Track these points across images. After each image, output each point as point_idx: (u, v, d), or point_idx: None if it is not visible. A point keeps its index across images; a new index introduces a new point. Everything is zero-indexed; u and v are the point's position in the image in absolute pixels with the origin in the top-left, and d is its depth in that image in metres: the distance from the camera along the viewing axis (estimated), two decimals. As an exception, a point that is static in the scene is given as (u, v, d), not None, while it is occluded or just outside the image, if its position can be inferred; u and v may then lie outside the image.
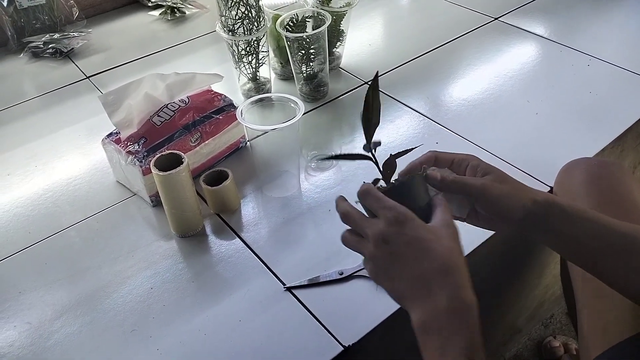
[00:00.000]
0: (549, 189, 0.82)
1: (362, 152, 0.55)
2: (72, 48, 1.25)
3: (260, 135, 0.85)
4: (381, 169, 0.55)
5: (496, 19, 1.26)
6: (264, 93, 1.01)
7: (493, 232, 0.72)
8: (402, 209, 0.49)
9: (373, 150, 0.55)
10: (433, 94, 1.05)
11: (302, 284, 0.71)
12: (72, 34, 1.28)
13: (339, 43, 1.10)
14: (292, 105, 0.80)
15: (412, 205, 0.50)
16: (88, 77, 1.17)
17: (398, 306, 0.67)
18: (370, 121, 0.54)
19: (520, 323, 1.14)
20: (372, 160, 0.55)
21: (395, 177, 0.56)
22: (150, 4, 1.39)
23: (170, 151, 0.74)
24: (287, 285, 0.71)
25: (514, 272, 0.97)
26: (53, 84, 1.16)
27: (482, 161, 0.58)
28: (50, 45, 1.24)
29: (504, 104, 1.00)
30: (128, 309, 0.70)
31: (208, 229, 0.80)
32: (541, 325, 1.21)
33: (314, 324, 0.66)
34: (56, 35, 1.26)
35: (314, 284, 0.70)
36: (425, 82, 1.08)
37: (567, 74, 1.07)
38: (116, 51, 1.26)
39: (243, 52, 0.98)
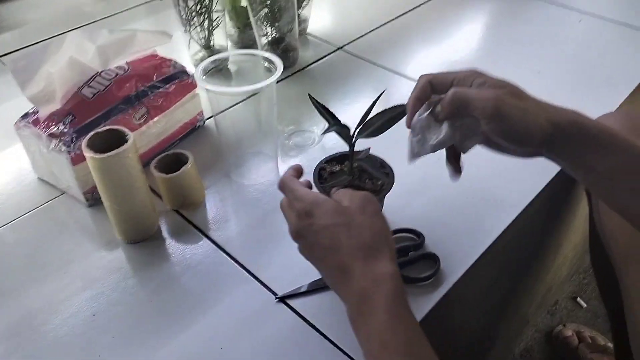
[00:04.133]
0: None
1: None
2: (-25, 25, 1.02)
3: (226, 110, 0.67)
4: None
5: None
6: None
7: (512, 220, 0.62)
8: (309, 198, 0.47)
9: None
10: (421, 55, 0.93)
11: (296, 291, 0.54)
12: (-26, 8, 1.06)
13: (305, 2, 0.93)
14: (267, 64, 0.63)
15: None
16: (-3, 57, 0.96)
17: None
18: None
19: (529, 313, 1.03)
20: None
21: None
22: (71, -26, 1.18)
23: (108, 127, 0.55)
24: (279, 295, 0.54)
25: (530, 257, 0.86)
26: (-49, 67, 0.93)
27: (489, 77, 0.47)
28: (-54, 22, 1.01)
29: (499, 63, 0.88)
30: (64, 343, 0.51)
31: (165, 231, 0.63)
32: (547, 314, 1.10)
33: (315, 337, 0.52)
34: (-46, 10, 1.03)
35: (309, 290, 0.55)
36: (408, 44, 0.95)
37: (558, 31, 0.97)
38: (32, 27, 1.05)
39: (193, 13, 0.81)
